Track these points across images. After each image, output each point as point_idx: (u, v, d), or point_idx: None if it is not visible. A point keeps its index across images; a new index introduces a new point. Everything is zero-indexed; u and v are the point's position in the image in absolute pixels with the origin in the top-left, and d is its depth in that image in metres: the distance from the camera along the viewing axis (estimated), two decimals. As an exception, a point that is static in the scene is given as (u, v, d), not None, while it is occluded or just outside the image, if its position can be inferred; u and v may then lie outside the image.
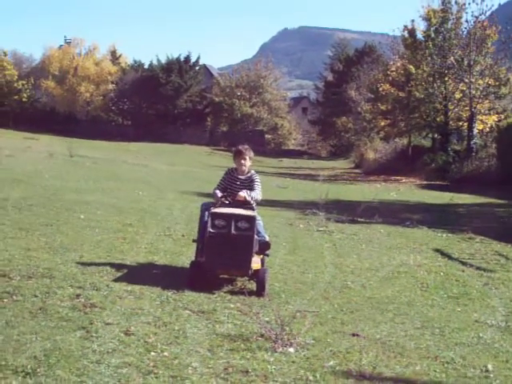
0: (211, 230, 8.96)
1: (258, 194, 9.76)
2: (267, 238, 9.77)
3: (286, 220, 17.55)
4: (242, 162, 9.89)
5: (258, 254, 9.39)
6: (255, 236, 9.13)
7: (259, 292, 8.91)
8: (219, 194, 9.65)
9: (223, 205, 9.52)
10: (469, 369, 6.49)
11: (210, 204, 9.64)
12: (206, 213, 9.40)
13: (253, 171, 10.10)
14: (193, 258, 9.63)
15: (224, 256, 8.91)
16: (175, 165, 41.94)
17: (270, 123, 79.53)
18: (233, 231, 8.96)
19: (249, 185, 9.84)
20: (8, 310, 7.02)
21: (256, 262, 9.23)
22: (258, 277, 9.03)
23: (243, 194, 9.57)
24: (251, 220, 9.08)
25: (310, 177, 39.80)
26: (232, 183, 9.93)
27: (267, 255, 9.87)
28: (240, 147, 10.18)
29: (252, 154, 10.09)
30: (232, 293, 8.70)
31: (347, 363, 6.29)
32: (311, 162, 62.86)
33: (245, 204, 9.54)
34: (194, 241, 9.84)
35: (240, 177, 9.95)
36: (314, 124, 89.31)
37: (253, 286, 9.24)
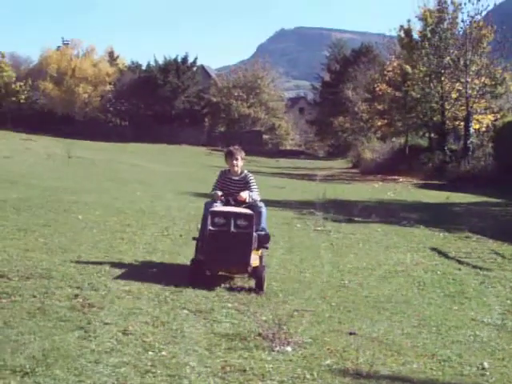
0: (211, 228, 9.13)
1: (256, 194, 10.00)
2: (267, 231, 9.88)
3: (283, 220, 17.57)
4: (234, 162, 10.10)
5: (258, 247, 9.53)
6: (254, 234, 9.26)
7: (258, 289, 9.05)
8: (220, 193, 9.87)
9: (224, 204, 9.74)
10: (465, 367, 6.53)
11: (213, 203, 9.79)
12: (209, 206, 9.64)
13: (246, 171, 10.31)
14: (192, 257, 9.70)
15: (223, 253, 9.10)
16: (173, 165, 41.96)
17: (268, 123, 79.65)
18: (232, 229, 9.12)
19: (244, 185, 10.04)
20: (6, 310, 7.05)
21: (255, 259, 9.35)
22: (257, 274, 9.18)
23: (245, 194, 9.77)
24: (250, 218, 9.24)
25: (308, 177, 39.85)
26: (227, 184, 10.12)
27: (266, 248, 9.97)
28: (231, 148, 10.40)
29: (243, 154, 10.28)
30: (230, 292, 8.73)
31: (344, 362, 6.33)
32: (308, 161, 62.87)
33: (245, 204, 9.73)
34: (194, 239, 9.97)
35: (234, 178, 10.17)
36: (311, 124, 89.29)
37: (251, 283, 9.33)
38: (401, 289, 10.12)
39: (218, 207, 9.58)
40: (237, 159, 10.11)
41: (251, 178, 10.18)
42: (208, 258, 9.16)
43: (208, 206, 9.82)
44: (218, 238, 9.10)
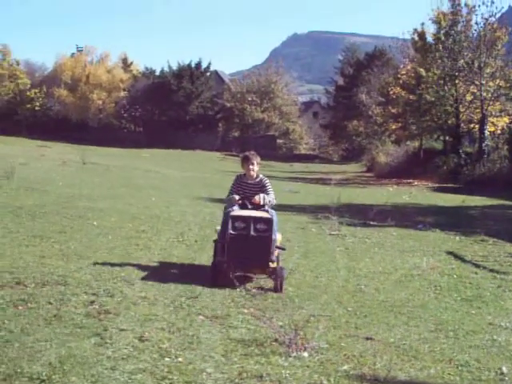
0: (232, 232, 9.55)
1: (272, 197, 10.29)
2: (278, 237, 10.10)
3: (298, 224, 17.55)
4: (251, 167, 10.41)
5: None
6: (273, 236, 9.64)
7: (277, 289, 9.38)
8: (237, 197, 10.23)
9: (241, 207, 10.13)
10: (483, 371, 6.47)
11: (232, 207, 10.10)
12: (229, 210, 9.99)
13: (261, 175, 10.62)
14: (211, 259, 10.21)
15: (244, 256, 9.50)
16: (187, 171, 42.00)
17: (282, 128, 79.74)
18: (252, 233, 9.56)
19: (260, 189, 10.37)
20: (23, 317, 7.06)
21: (273, 261, 9.74)
22: (276, 274, 9.48)
23: (258, 198, 10.10)
24: (269, 222, 9.67)
25: (322, 181, 39.77)
26: (243, 188, 10.43)
27: (284, 249, 10.34)
28: (247, 153, 10.70)
29: (259, 159, 10.59)
30: (245, 297, 8.71)
31: (361, 367, 6.29)
32: (323, 166, 62.83)
33: (261, 207, 10.09)
34: (214, 241, 10.28)
35: (250, 182, 10.48)
36: (325, 128, 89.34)
37: (269, 283, 9.56)
38: (417, 293, 10.05)
39: (238, 211, 9.89)
40: (253, 164, 10.40)
41: (267, 181, 10.50)
42: (229, 261, 9.46)
43: (227, 210, 10.09)
44: (238, 242, 9.48)
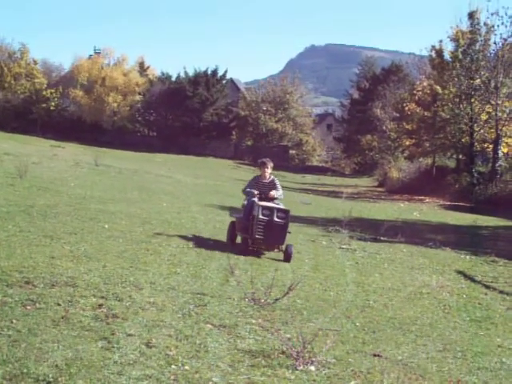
0: (261, 217, 13.37)
1: (281, 193, 14.30)
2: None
3: (308, 236, 17.54)
4: (266, 170, 14.34)
5: None
6: (288, 223, 13.59)
7: (288, 260, 13.12)
8: (256, 191, 14.02)
9: (259, 199, 13.87)
10: (491, 394, 6.43)
11: (252, 200, 13.89)
12: (250, 201, 13.92)
13: (273, 177, 14.50)
14: (226, 238, 14.69)
15: (268, 235, 13.39)
16: (199, 177, 42.03)
17: (295, 139, 79.67)
18: (275, 219, 13.41)
19: (272, 187, 14.21)
20: (31, 317, 7.05)
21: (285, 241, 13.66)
22: (287, 250, 13.32)
23: (273, 192, 14.02)
24: (286, 212, 13.68)
25: (334, 194, 39.76)
26: (259, 186, 14.22)
27: (290, 232, 13.89)
28: (264, 159, 14.69)
29: (272, 164, 14.56)
30: (254, 307, 8.67)
31: (368, 384, 6.26)
32: (334, 178, 62.78)
33: (274, 199, 14.00)
34: (231, 223, 14.75)
35: (264, 181, 14.36)
36: (338, 141, 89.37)
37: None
38: (426, 311, 10.01)
39: (265, 203, 13.64)
40: (268, 168, 14.34)
41: (277, 181, 14.46)
42: (257, 238, 13.40)
43: (248, 199, 14.08)
44: (265, 225, 13.35)
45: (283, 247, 13.48)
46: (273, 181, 14.30)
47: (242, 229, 14.06)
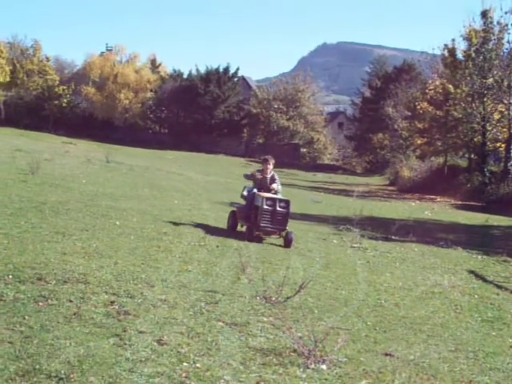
0: (265, 207, 14.82)
1: (280, 186, 15.96)
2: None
3: (319, 235, 17.53)
4: (268, 166, 15.90)
5: None
6: (289, 212, 15.20)
7: (288, 246, 14.69)
8: (258, 175, 15.79)
9: (259, 190, 15.60)
10: (503, 395, 6.40)
11: (252, 187, 15.89)
12: (251, 193, 15.67)
13: (273, 172, 16.07)
14: (226, 225, 16.39)
15: (271, 223, 14.91)
16: (210, 175, 42.04)
17: (306, 137, 79.56)
18: (277, 208, 14.92)
19: (272, 181, 15.80)
20: (43, 313, 7.06)
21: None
22: (287, 236, 14.89)
23: (274, 185, 15.65)
24: (288, 202, 15.25)
25: (345, 192, 39.69)
26: (261, 179, 15.70)
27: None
28: (266, 157, 16.36)
29: (273, 161, 16.14)
30: (265, 305, 8.65)
31: (380, 383, 6.24)
32: (345, 177, 62.60)
33: (273, 191, 15.55)
34: (231, 212, 16.48)
35: (266, 175, 15.84)
36: (349, 139, 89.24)
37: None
38: (438, 311, 9.97)
39: (267, 194, 15.23)
40: (269, 164, 15.91)
41: (276, 176, 16.09)
42: (262, 225, 14.88)
43: (248, 189, 15.96)
44: (268, 214, 14.84)
45: (283, 233, 15.02)
46: (273, 176, 15.97)
47: (244, 217, 15.67)
